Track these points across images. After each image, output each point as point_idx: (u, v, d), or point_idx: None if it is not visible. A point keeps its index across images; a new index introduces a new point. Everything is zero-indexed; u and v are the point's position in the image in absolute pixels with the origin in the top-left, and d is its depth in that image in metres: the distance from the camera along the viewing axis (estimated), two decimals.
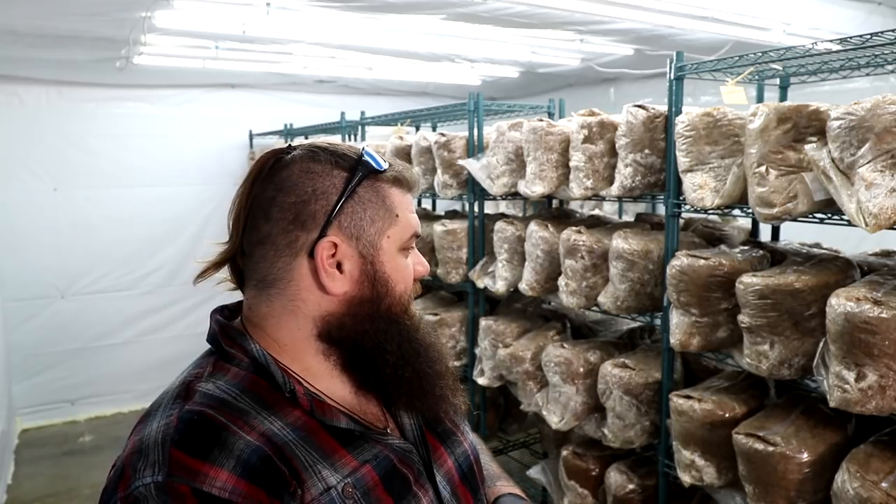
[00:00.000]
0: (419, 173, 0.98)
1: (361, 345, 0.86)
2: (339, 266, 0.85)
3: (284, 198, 0.84)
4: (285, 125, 5.25)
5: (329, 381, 0.87)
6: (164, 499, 0.69)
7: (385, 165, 0.89)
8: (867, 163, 1.54)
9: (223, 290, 0.89)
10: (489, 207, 3.20)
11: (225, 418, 0.76)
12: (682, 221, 2.37)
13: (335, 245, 0.84)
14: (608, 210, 3.85)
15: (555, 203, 3.21)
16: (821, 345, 1.72)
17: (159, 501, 0.69)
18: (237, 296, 0.94)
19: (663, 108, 2.23)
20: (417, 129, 4.18)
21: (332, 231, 0.84)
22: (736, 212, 2.06)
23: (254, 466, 0.73)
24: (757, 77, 2.29)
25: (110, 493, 0.73)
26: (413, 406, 0.91)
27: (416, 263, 0.94)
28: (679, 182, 2.12)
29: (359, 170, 0.86)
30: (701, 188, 2.02)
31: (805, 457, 1.74)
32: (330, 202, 0.84)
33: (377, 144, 3.62)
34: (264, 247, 0.85)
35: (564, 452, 2.62)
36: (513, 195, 2.84)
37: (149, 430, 0.76)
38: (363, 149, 0.90)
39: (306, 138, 4.95)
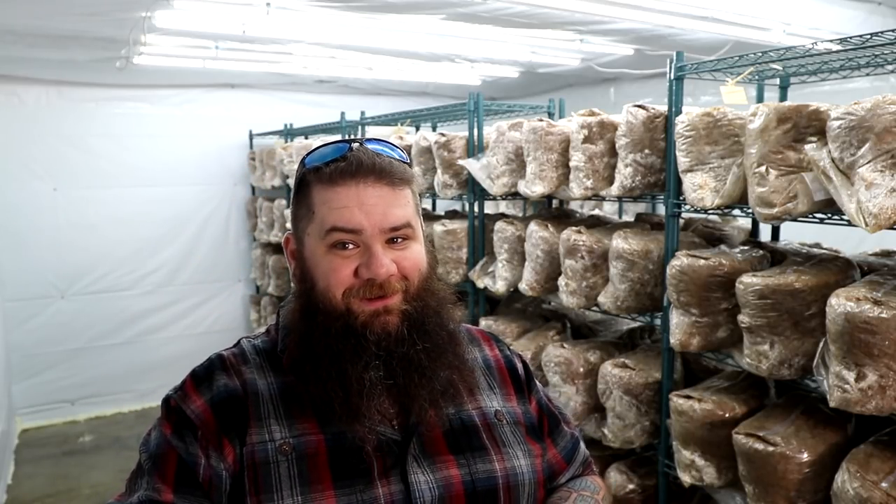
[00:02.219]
0: (393, 164, 0.92)
1: (298, 333, 0.93)
2: (293, 258, 0.97)
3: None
4: (285, 125, 5.25)
5: None
6: (166, 406, 0.92)
7: (318, 162, 0.91)
8: (867, 163, 1.54)
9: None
10: (489, 207, 3.20)
11: (231, 363, 0.94)
12: (682, 221, 2.37)
13: (289, 240, 0.97)
14: (608, 210, 3.85)
15: (555, 203, 3.21)
16: (821, 345, 1.72)
17: (163, 405, 0.93)
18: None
19: (663, 108, 2.23)
20: (417, 129, 4.18)
21: (291, 228, 0.97)
22: (736, 212, 2.06)
23: (220, 400, 0.90)
24: (757, 77, 2.29)
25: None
26: (335, 403, 0.90)
27: (362, 264, 0.88)
28: (679, 182, 2.12)
29: (301, 171, 0.94)
30: (701, 188, 2.02)
31: (805, 457, 1.74)
32: (292, 202, 0.96)
33: None
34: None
35: None
36: (513, 195, 2.84)
37: (206, 359, 0.98)
38: (319, 146, 0.93)
39: (306, 138, 4.95)
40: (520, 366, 1.10)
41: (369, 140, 0.94)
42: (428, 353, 0.91)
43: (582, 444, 1.16)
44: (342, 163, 0.89)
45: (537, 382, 1.13)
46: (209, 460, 0.87)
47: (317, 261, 0.90)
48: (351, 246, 0.89)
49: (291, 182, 4.80)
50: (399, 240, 0.91)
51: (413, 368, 0.90)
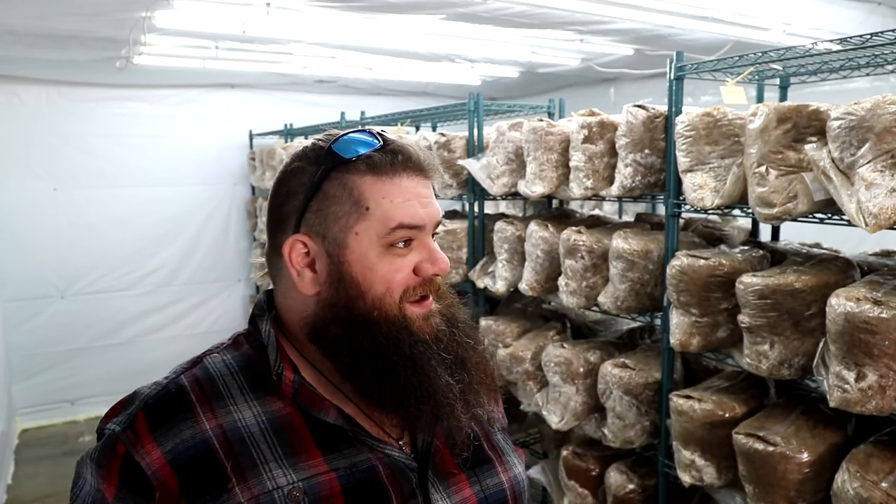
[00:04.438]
0: (428, 155, 0.85)
1: (340, 350, 0.80)
2: (313, 266, 0.82)
3: (271, 201, 0.85)
4: (285, 125, 5.25)
5: (339, 381, 0.83)
6: (108, 448, 0.76)
7: (360, 151, 0.80)
8: (867, 163, 1.54)
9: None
10: (489, 207, 3.20)
11: (197, 398, 0.79)
12: (682, 221, 2.37)
13: (305, 244, 0.81)
14: (608, 210, 3.85)
15: (555, 203, 3.21)
16: (821, 345, 1.72)
17: (104, 447, 0.77)
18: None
19: (663, 108, 2.23)
20: (417, 129, 4.18)
21: (303, 230, 0.81)
22: (736, 212, 2.06)
23: (186, 457, 0.75)
24: (757, 77, 2.29)
25: (105, 417, 0.81)
26: (404, 421, 0.82)
27: (424, 260, 0.82)
28: (679, 182, 2.12)
29: (323, 163, 0.81)
30: (701, 188, 2.02)
31: (805, 457, 1.74)
32: (299, 201, 0.81)
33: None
34: (268, 247, 0.87)
35: (564, 452, 2.62)
36: (513, 195, 2.84)
37: (154, 381, 0.83)
38: (342, 135, 0.83)
39: (306, 138, 4.95)
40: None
41: (364, 130, 0.85)
42: (473, 349, 0.87)
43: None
44: (390, 154, 0.81)
45: None
46: None
47: (370, 263, 0.79)
48: (409, 243, 0.81)
49: None
50: (435, 235, 0.86)
51: (472, 368, 0.85)
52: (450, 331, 0.85)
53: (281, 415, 0.80)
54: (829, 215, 1.81)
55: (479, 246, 3.00)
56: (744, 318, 1.89)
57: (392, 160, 0.80)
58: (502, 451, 0.93)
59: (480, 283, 2.92)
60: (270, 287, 0.91)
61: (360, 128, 0.85)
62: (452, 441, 0.85)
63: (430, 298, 0.84)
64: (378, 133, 0.83)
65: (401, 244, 0.81)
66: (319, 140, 0.84)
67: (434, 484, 0.83)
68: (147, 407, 0.78)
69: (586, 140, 2.36)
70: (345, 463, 0.79)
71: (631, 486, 2.36)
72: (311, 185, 0.80)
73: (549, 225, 2.58)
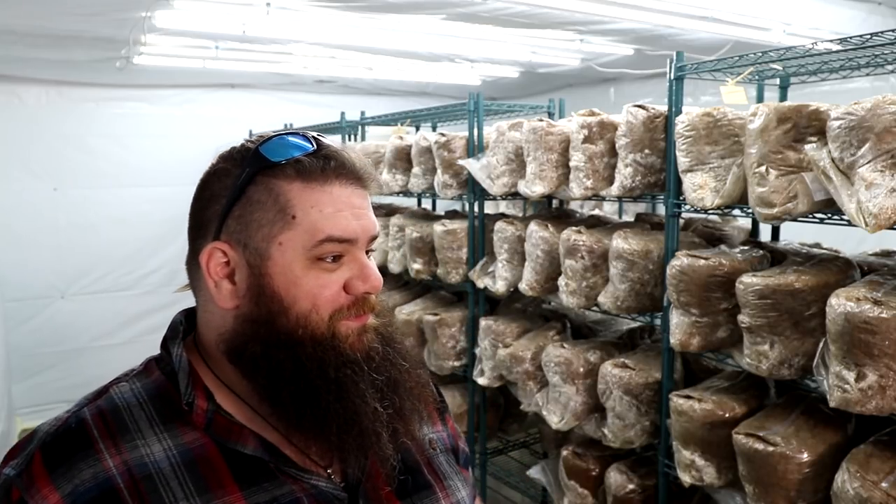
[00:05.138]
0: (365, 163, 0.79)
1: (258, 370, 0.74)
2: (233, 277, 0.75)
3: (192, 204, 0.79)
4: (285, 125, 5.24)
5: (258, 405, 0.76)
6: (3, 495, 0.69)
7: (290, 154, 0.74)
8: (867, 163, 1.54)
9: None
10: (489, 207, 3.20)
11: (100, 432, 0.72)
12: (682, 221, 2.37)
13: (224, 252, 0.75)
14: (608, 210, 3.85)
15: (555, 203, 3.21)
16: (821, 345, 1.72)
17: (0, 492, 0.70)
18: None
19: (663, 108, 2.23)
20: (417, 129, 4.18)
21: (223, 237, 0.75)
22: (736, 212, 2.06)
23: (86, 500, 0.68)
24: (757, 77, 2.29)
25: (3, 459, 0.74)
26: (326, 450, 0.76)
27: (354, 277, 0.75)
28: (679, 182, 2.12)
29: (248, 165, 0.74)
30: (701, 188, 2.02)
31: (805, 457, 1.74)
32: (221, 205, 0.75)
33: (378, 144, 3.62)
34: (188, 255, 0.80)
35: (564, 452, 2.62)
36: (513, 195, 2.84)
37: (54, 417, 0.75)
38: (272, 136, 0.76)
39: None
40: (431, 384, 0.96)
41: (297, 133, 0.78)
42: (407, 372, 0.80)
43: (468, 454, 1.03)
44: (322, 159, 0.75)
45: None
46: None
47: (294, 276, 0.73)
48: (338, 258, 0.75)
49: None
50: (369, 251, 0.79)
51: (404, 392, 0.79)
52: (384, 349, 0.79)
53: (194, 447, 0.73)
54: (829, 215, 1.81)
55: (479, 246, 3.00)
56: (744, 318, 1.89)
57: (324, 166, 0.74)
58: (444, 476, 0.87)
59: (480, 283, 2.92)
60: (189, 307, 0.84)
61: (294, 130, 0.79)
62: (386, 468, 0.79)
63: (368, 315, 0.78)
64: (312, 136, 0.77)
65: (329, 258, 0.74)
66: (248, 141, 0.78)
67: None
68: (45, 446, 0.71)
69: (586, 140, 2.36)
70: (265, 497, 0.72)
71: (631, 486, 2.36)
72: (235, 188, 0.74)
73: (549, 225, 2.58)
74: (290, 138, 0.76)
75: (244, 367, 0.74)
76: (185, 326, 0.82)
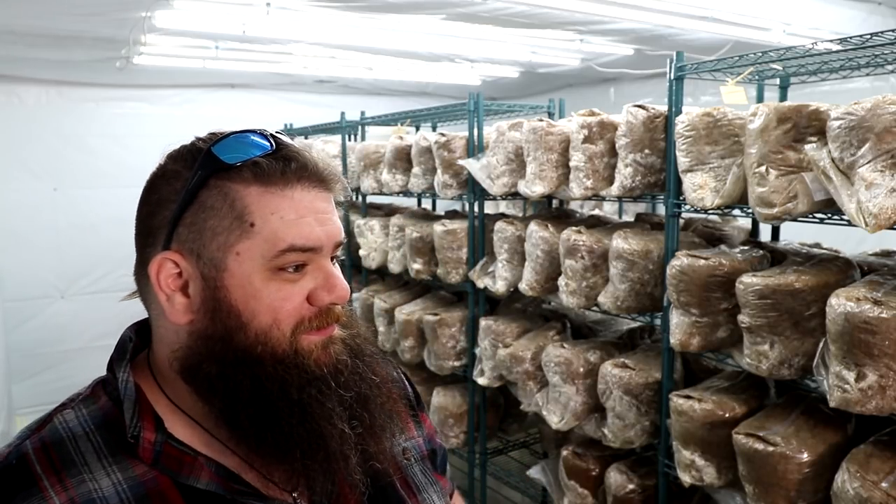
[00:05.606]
0: (329, 163, 0.72)
1: (214, 391, 0.68)
2: (186, 289, 0.69)
3: (139, 209, 0.73)
4: (285, 125, 5.24)
5: (215, 428, 0.71)
6: None
7: (246, 155, 0.68)
8: (867, 163, 1.54)
9: None
10: (489, 207, 3.20)
11: (43, 468, 0.65)
12: (682, 221, 2.37)
13: (176, 263, 0.69)
14: (608, 210, 3.85)
15: (555, 203, 3.21)
16: (821, 345, 1.72)
17: None
18: None
19: (663, 108, 2.23)
20: (417, 129, 4.18)
21: (174, 246, 0.69)
22: (736, 212, 2.06)
23: None
24: (757, 77, 2.29)
25: None
26: (291, 473, 0.70)
27: (319, 287, 0.70)
28: (679, 182, 2.12)
29: (200, 167, 0.68)
30: (701, 188, 2.02)
31: (805, 457, 1.74)
32: (171, 211, 0.69)
33: (378, 144, 3.62)
34: (136, 265, 0.73)
35: (564, 452, 2.61)
36: (513, 195, 2.84)
37: None
38: (226, 135, 0.70)
39: (306, 138, 4.95)
40: (406, 383, 0.92)
41: (254, 131, 0.71)
42: (377, 386, 0.75)
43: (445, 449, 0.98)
44: (282, 160, 0.68)
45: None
46: None
47: (254, 289, 0.67)
48: (301, 267, 0.70)
49: None
50: (334, 258, 0.74)
51: (375, 409, 0.74)
52: (352, 362, 0.73)
53: (146, 480, 0.67)
54: (829, 215, 1.81)
55: (479, 246, 3.00)
56: (744, 318, 1.89)
57: (284, 168, 0.68)
58: (419, 489, 0.83)
59: (480, 283, 2.92)
60: (140, 319, 0.78)
61: (251, 128, 0.72)
62: (355, 494, 0.74)
63: (332, 326, 0.73)
64: (271, 135, 0.71)
65: (291, 268, 0.69)
66: (200, 139, 0.72)
67: None
68: None
69: (586, 140, 2.36)
70: None
71: (631, 486, 2.36)
72: (186, 192, 0.68)
73: (549, 225, 2.58)
74: (247, 137, 0.70)
75: (199, 388, 0.69)
76: (135, 342, 0.76)
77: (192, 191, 0.68)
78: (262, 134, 0.71)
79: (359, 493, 0.74)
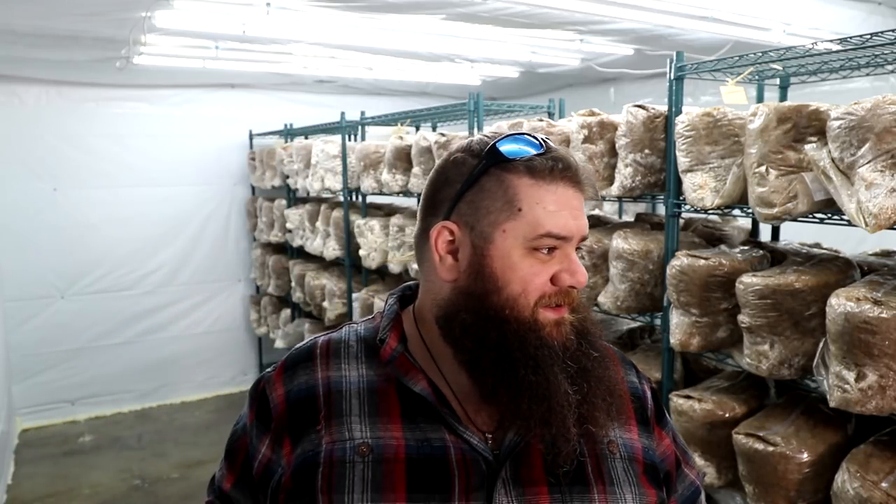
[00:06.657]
0: (586, 169, 0.86)
1: (465, 335, 0.82)
2: (456, 253, 0.84)
3: (428, 186, 0.89)
4: (285, 125, 5.25)
5: (450, 365, 0.85)
6: (255, 385, 0.93)
7: (523, 153, 0.82)
8: (867, 163, 1.54)
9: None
10: None
11: (321, 354, 0.91)
12: (682, 221, 2.36)
13: (452, 231, 0.84)
14: (608, 210, 3.85)
15: None
16: (821, 345, 1.72)
17: (255, 384, 0.94)
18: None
19: (663, 108, 2.23)
20: (417, 129, 4.18)
21: (453, 218, 0.84)
22: (736, 212, 2.06)
23: (296, 398, 0.88)
24: (757, 77, 2.29)
25: None
26: (511, 418, 0.82)
27: (563, 270, 0.82)
28: (679, 182, 2.12)
29: (485, 158, 0.83)
30: (701, 188, 2.02)
31: (805, 457, 1.74)
32: (455, 189, 0.84)
33: (378, 144, 3.62)
34: (418, 230, 0.90)
35: None
36: None
37: (306, 340, 0.97)
38: (507, 135, 0.85)
39: (306, 138, 4.95)
40: (648, 393, 0.98)
41: (525, 133, 0.86)
42: (599, 363, 0.85)
43: (703, 496, 1.04)
44: (551, 160, 0.82)
45: (668, 416, 1.02)
46: (269, 454, 0.87)
47: (512, 262, 0.81)
48: (552, 251, 0.82)
49: (292, 182, 4.80)
50: (578, 248, 0.86)
51: (594, 382, 0.83)
52: (578, 342, 0.84)
53: (379, 379, 0.87)
54: (829, 215, 1.81)
55: None
56: (744, 318, 1.89)
57: (552, 167, 0.82)
58: (611, 481, 0.86)
59: None
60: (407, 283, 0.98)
61: (525, 131, 0.86)
62: (554, 451, 0.81)
63: (566, 308, 0.84)
64: (542, 139, 0.84)
65: (545, 250, 0.82)
66: (485, 136, 0.86)
67: (506, 484, 0.82)
68: (289, 357, 0.93)
69: (586, 140, 2.36)
70: (418, 435, 0.83)
71: None
72: (470, 176, 0.83)
73: None
74: (523, 138, 0.84)
75: (452, 332, 0.83)
76: (410, 293, 0.95)
77: (476, 175, 0.83)
78: (535, 137, 0.85)
79: (550, 455, 0.82)
